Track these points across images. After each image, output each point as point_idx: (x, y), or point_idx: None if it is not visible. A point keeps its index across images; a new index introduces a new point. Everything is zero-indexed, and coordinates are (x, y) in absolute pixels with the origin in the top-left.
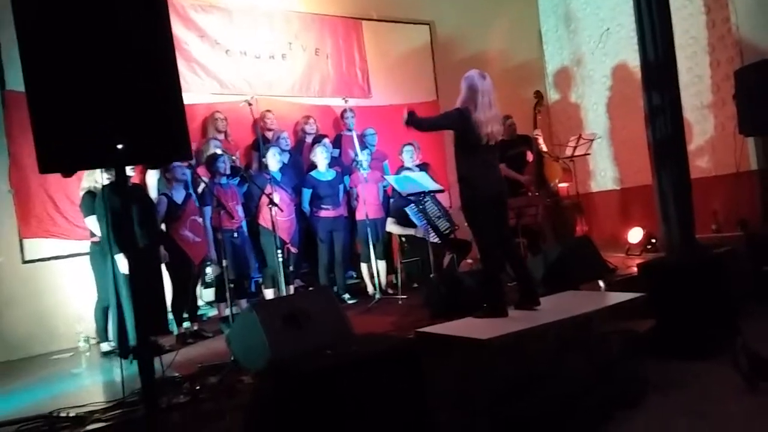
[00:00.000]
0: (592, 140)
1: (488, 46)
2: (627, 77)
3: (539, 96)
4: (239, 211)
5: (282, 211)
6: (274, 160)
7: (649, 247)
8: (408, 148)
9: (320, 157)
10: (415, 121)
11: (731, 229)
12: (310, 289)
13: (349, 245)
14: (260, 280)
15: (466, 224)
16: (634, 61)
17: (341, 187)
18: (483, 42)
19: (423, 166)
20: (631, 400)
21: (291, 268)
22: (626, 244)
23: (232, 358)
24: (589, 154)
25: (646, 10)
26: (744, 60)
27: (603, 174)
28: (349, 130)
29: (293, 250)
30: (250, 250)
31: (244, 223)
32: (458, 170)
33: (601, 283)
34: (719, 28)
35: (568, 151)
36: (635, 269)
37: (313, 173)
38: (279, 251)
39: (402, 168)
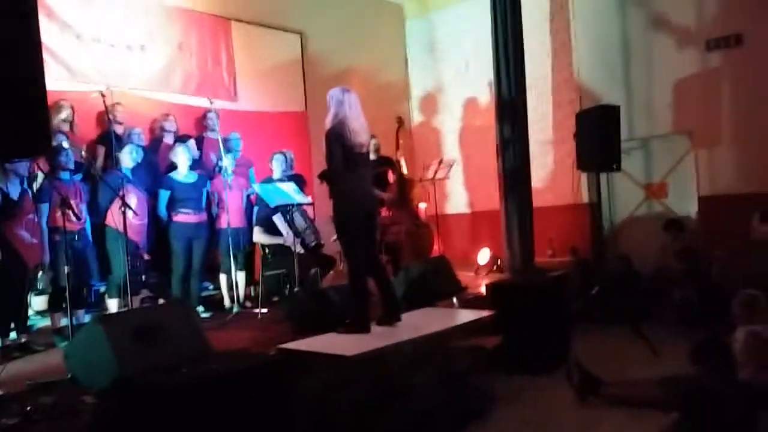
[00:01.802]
0: (451, 165)
1: (357, 64)
2: (482, 109)
3: (401, 122)
4: (83, 210)
5: (137, 214)
6: (128, 158)
7: (495, 267)
8: (278, 157)
9: (182, 157)
10: (326, 177)
11: (564, 255)
12: (162, 301)
13: (207, 254)
14: (102, 288)
15: (333, 239)
16: (489, 95)
17: (203, 191)
18: (353, 58)
19: (295, 178)
20: (480, 413)
21: (143, 277)
22: (475, 264)
23: (70, 376)
24: (448, 178)
25: (503, 51)
26: (582, 103)
27: (457, 197)
28: (212, 132)
29: (146, 256)
30: (93, 255)
31: (88, 225)
32: (334, 184)
33: (455, 301)
34: (563, 72)
35: (429, 174)
36: (483, 288)
37: (172, 174)
38: (127, 257)
39: (269, 178)
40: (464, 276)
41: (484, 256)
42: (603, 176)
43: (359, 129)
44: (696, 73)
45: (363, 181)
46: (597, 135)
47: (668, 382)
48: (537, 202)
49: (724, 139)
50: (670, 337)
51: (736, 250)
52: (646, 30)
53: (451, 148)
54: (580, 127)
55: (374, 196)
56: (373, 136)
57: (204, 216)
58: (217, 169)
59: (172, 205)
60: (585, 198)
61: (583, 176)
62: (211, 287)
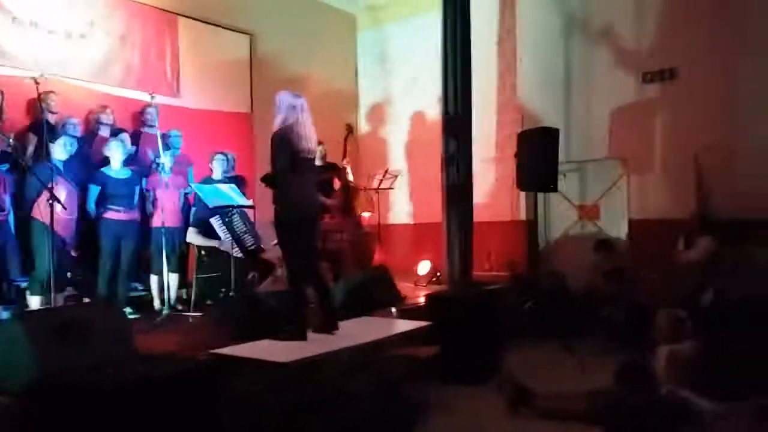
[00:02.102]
0: (396, 176)
1: (307, 69)
2: (428, 124)
3: (350, 129)
4: (6, 201)
5: (66, 208)
6: (62, 150)
7: (434, 279)
8: (219, 157)
9: (115, 152)
10: (269, 180)
11: (502, 270)
12: (87, 300)
13: (137, 253)
14: (24, 284)
15: (273, 243)
16: (435, 110)
17: (137, 188)
18: (303, 64)
19: (237, 180)
20: (414, 421)
21: (68, 274)
22: (415, 275)
23: None
24: (392, 188)
25: (451, 68)
26: (524, 124)
27: (400, 208)
28: (150, 127)
29: (73, 253)
30: (15, 249)
31: (11, 217)
32: (277, 189)
33: (393, 311)
34: (507, 92)
35: (374, 183)
36: (422, 299)
37: (104, 169)
38: (53, 253)
39: (209, 178)
40: (404, 286)
41: (424, 267)
42: (540, 195)
43: (308, 135)
44: (632, 103)
45: (307, 186)
46: (537, 156)
47: (594, 396)
48: (478, 217)
49: (656, 167)
50: (598, 353)
51: (662, 272)
52: (587, 58)
53: (397, 160)
54: (521, 147)
55: (317, 202)
56: (320, 143)
57: (135, 214)
58: (154, 166)
59: (102, 202)
60: (523, 215)
61: (522, 194)
62: (141, 288)
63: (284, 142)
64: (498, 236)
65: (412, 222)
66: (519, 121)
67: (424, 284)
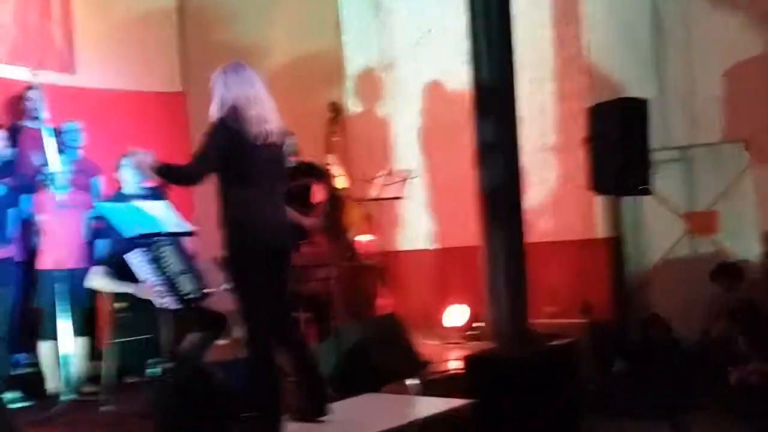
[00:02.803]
0: (406, 179)
1: (264, 29)
2: (452, 98)
3: (336, 110)
4: None
5: None
6: None
7: (471, 333)
8: (130, 161)
9: None
10: (164, 172)
11: (572, 314)
12: None
13: (19, 310)
14: None
15: (223, 287)
16: (461, 76)
17: (11, 212)
18: (257, 21)
19: (157, 192)
20: None
21: None
22: (442, 327)
23: None
24: (401, 197)
25: (481, 12)
26: (597, 94)
27: (415, 227)
28: (34, 119)
29: None
30: None
31: None
32: (222, 205)
33: (412, 383)
34: (569, 49)
35: (374, 191)
36: (458, 363)
37: None
38: None
39: (119, 193)
40: (426, 345)
41: (455, 315)
42: (627, 201)
43: (263, 115)
44: (757, 57)
45: (270, 199)
46: (617, 141)
47: None
48: (533, 235)
49: None
50: None
51: None
52: None
53: (407, 153)
54: (595, 128)
55: (285, 221)
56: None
57: (10, 251)
58: (41, 177)
59: None
60: (601, 231)
61: (599, 200)
62: (26, 361)
63: (229, 132)
64: (564, 264)
65: (434, 247)
66: (588, 90)
67: (457, 341)
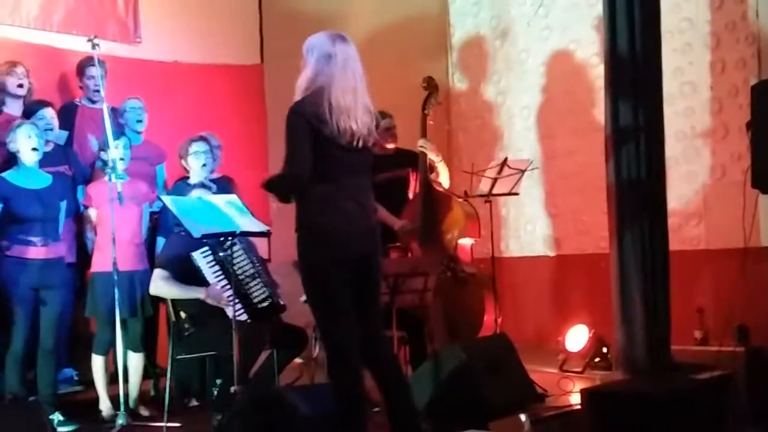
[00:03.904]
0: (523, 170)
1: None
2: (579, 72)
3: (432, 86)
4: None
5: None
6: None
7: (597, 360)
8: (199, 146)
9: (24, 143)
10: (272, 185)
11: (727, 340)
12: None
13: (70, 317)
14: None
15: (302, 299)
16: (592, 46)
17: (63, 205)
18: None
19: (224, 183)
20: None
21: None
22: (562, 351)
23: None
24: (517, 193)
25: None
26: (764, 68)
27: (530, 229)
28: (92, 102)
29: None
30: None
31: None
32: (299, 204)
33: (524, 419)
34: (729, 10)
35: (484, 186)
36: (577, 397)
37: (6, 174)
38: None
39: (184, 182)
40: (542, 373)
41: (578, 336)
42: None
43: (353, 106)
44: None
45: (355, 197)
46: None
47: None
48: (677, 242)
49: None
50: None
51: None
52: None
53: (521, 141)
54: (759, 110)
55: (374, 222)
56: (385, 114)
57: (61, 248)
58: (98, 164)
59: (5, 228)
60: (764, 238)
61: (762, 199)
62: (77, 378)
63: (308, 119)
64: (716, 277)
65: (552, 254)
66: (752, 60)
67: (580, 370)
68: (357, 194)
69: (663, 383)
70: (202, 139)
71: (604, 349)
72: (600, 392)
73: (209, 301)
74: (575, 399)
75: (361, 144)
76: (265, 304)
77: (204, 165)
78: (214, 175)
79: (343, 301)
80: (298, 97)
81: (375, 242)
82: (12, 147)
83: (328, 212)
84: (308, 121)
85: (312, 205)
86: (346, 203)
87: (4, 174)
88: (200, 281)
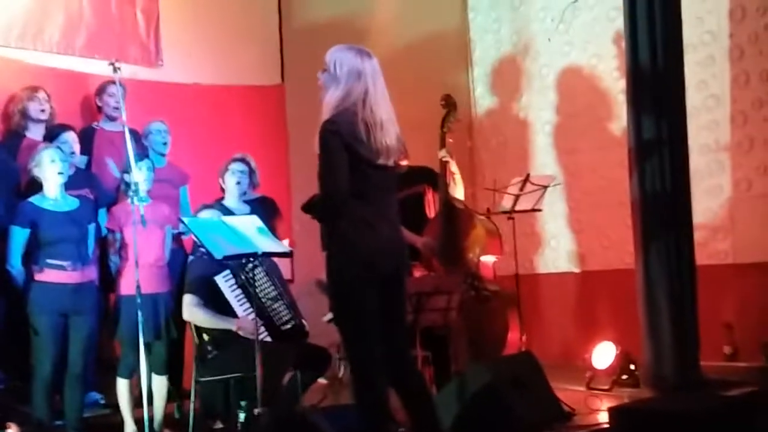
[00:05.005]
0: (546, 186)
1: (374, 7)
2: (601, 86)
3: (450, 104)
4: None
5: None
6: None
7: (625, 377)
8: (237, 165)
9: (48, 167)
10: (317, 208)
11: (754, 356)
12: (12, 427)
13: (96, 341)
14: None
15: (325, 318)
16: (613, 60)
17: (92, 228)
18: None
19: (261, 204)
20: None
21: None
22: (588, 368)
23: None
24: (539, 209)
25: None
26: None
27: (554, 245)
28: (112, 120)
29: None
30: None
31: None
32: (328, 226)
33: None
34: (751, 22)
35: (507, 202)
36: (604, 415)
37: (34, 199)
38: None
39: (219, 203)
40: (568, 392)
41: (604, 353)
42: None
43: (385, 123)
44: None
45: (386, 216)
46: None
47: None
48: (704, 256)
49: None
50: None
51: None
52: None
53: (544, 157)
54: None
55: (401, 243)
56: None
57: (91, 273)
58: (122, 188)
59: (34, 254)
60: None
61: None
62: (103, 401)
63: (343, 137)
64: (745, 292)
65: (577, 270)
66: None
67: (607, 387)
68: (388, 213)
69: (692, 401)
70: (241, 159)
71: (632, 366)
72: (628, 410)
73: (241, 332)
74: (603, 417)
75: (391, 162)
76: (288, 326)
77: (238, 183)
78: (254, 195)
79: (371, 320)
80: (327, 114)
81: (404, 261)
82: (36, 171)
83: (360, 231)
84: (344, 140)
85: (345, 223)
86: (378, 222)
87: (30, 199)
88: (230, 305)
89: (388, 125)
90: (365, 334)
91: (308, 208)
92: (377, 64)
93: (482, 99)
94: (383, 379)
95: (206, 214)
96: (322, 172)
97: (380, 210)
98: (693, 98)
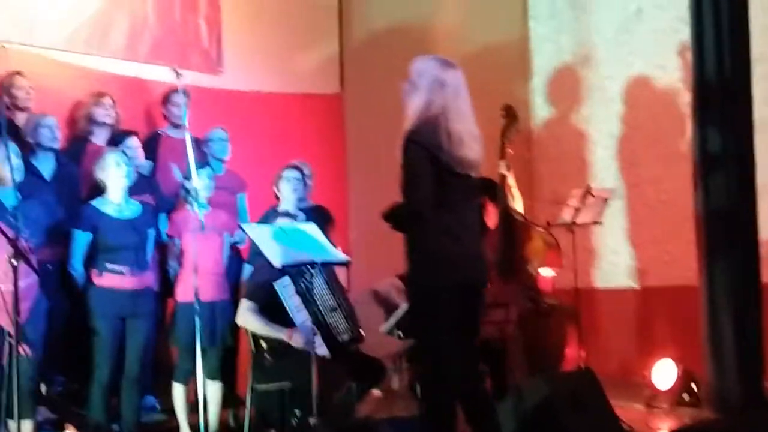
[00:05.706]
0: (606, 199)
1: (434, 16)
2: (664, 98)
3: (511, 115)
4: None
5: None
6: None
7: (686, 396)
8: (292, 174)
9: (114, 171)
10: (400, 217)
11: None
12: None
13: (153, 347)
14: None
15: (383, 328)
16: (677, 71)
17: (151, 233)
18: (426, 7)
19: (315, 212)
20: None
21: (40, 387)
22: (648, 387)
23: None
24: (599, 222)
25: None
26: None
27: (613, 260)
28: (176, 127)
29: (26, 352)
30: None
31: None
32: (413, 232)
33: None
34: None
35: (567, 215)
36: None
37: (96, 202)
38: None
39: (274, 211)
40: (627, 410)
41: (665, 371)
42: None
43: (467, 134)
44: None
45: (468, 225)
46: None
47: None
48: None
49: None
50: None
51: None
52: None
53: (605, 169)
54: None
55: (484, 252)
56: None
57: (149, 278)
58: (182, 194)
59: (94, 258)
60: None
61: None
62: (159, 407)
63: (427, 148)
64: None
65: (637, 286)
66: None
67: (667, 406)
68: (469, 222)
69: (757, 421)
70: (296, 166)
71: (693, 385)
72: (690, 431)
73: (292, 342)
74: None
75: (473, 172)
76: (345, 336)
77: (294, 190)
78: (308, 204)
79: (448, 328)
80: (409, 125)
81: (484, 270)
82: (101, 175)
83: (444, 239)
84: (428, 151)
85: (429, 231)
86: (460, 231)
87: (92, 202)
88: (287, 311)
89: (469, 139)
90: (443, 344)
91: (389, 216)
92: (461, 76)
93: (542, 110)
94: (455, 390)
95: (281, 222)
96: (405, 181)
97: (462, 219)
98: (761, 111)
